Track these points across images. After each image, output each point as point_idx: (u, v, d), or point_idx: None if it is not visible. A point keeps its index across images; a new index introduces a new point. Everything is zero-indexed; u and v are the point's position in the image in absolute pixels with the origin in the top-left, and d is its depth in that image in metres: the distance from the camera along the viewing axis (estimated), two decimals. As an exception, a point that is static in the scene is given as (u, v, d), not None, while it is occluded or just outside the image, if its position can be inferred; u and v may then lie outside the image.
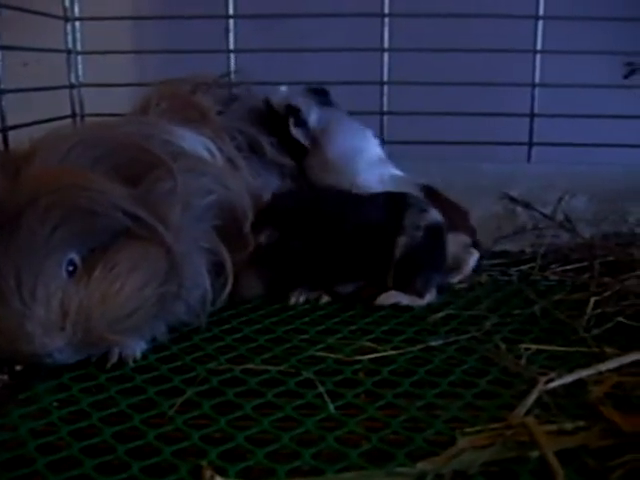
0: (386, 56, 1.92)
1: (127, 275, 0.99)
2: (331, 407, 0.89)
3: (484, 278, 1.47)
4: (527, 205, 1.70)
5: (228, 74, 1.80)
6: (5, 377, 1.02)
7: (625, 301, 1.25)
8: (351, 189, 1.39)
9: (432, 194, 1.50)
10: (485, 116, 1.94)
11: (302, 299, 1.32)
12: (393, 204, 1.31)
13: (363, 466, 0.76)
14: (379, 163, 1.59)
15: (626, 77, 2.11)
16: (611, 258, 1.49)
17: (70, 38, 1.97)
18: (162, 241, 1.02)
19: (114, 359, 1.03)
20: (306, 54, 1.96)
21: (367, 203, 1.33)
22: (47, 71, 1.98)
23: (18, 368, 1.03)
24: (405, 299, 1.29)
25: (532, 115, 1.95)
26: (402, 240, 1.28)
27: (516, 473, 0.74)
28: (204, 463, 0.73)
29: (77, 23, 1.98)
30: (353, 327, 1.19)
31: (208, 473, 0.71)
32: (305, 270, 1.30)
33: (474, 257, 1.47)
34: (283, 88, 1.59)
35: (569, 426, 0.81)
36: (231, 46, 1.95)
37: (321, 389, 0.94)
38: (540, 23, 1.90)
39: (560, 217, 1.66)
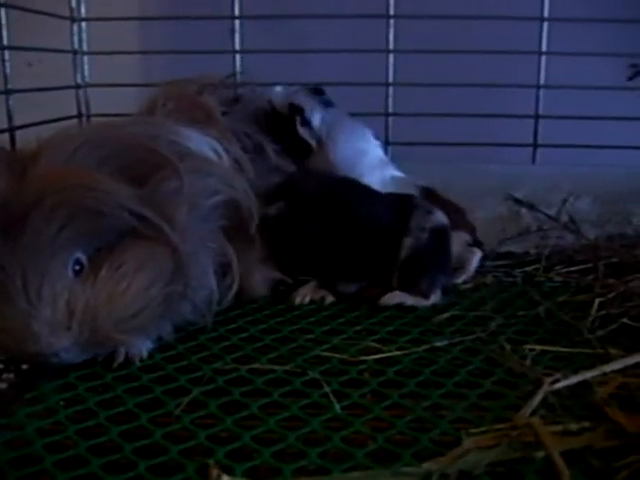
0: (391, 57, 1.93)
1: (133, 275, 0.99)
2: (337, 407, 0.90)
3: (489, 279, 1.47)
4: (531, 206, 1.71)
5: (234, 75, 1.80)
6: (11, 376, 1.03)
7: (630, 302, 1.25)
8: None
9: (430, 195, 1.50)
10: (489, 117, 1.94)
11: (307, 299, 1.32)
12: (400, 205, 1.32)
13: (369, 466, 0.76)
14: (381, 165, 1.60)
15: (630, 79, 2.10)
16: (615, 259, 1.50)
17: (76, 38, 1.98)
18: (168, 241, 1.02)
19: (120, 358, 1.03)
20: (311, 55, 1.96)
21: (378, 201, 1.33)
22: (50, 71, 1.99)
23: (24, 367, 1.03)
24: (410, 299, 1.29)
25: (537, 117, 1.95)
26: (408, 241, 1.28)
27: (522, 473, 0.74)
28: (211, 462, 0.73)
29: (83, 24, 1.98)
30: (358, 327, 1.19)
31: (215, 472, 0.71)
32: (309, 254, 1.30)
33: (477, 257, 1.48)
34: (278, 88, 1.59)
35: (574, 427, 0.81)
36: (237, 47, 1.95)
37: (327, 389, 0.94)
38: (545, 25, 1.90)
39: (564, 218, 1.66)
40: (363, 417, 0.87)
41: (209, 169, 1.18)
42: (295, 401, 0.92)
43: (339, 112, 1.63)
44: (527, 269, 1.53)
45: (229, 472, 0.73)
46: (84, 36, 1.99)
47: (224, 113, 1.42)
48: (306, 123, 1.54)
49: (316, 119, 1.57)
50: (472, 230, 1.51)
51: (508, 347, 1.08)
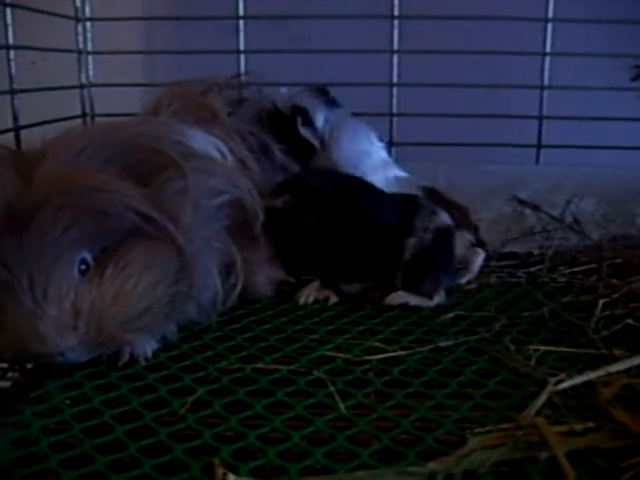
0: (395, 58, 1.93)
1: (139, 275, 0.99)
2: (342, 406, 0.90)
3: (493, 279, 1.48)
4: (535, 207, 1.70)
5: (239, 75, 1.80)
6: (16, 375, 1.03)
7: (634, 303, 1.25)
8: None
9: (433, 195, 1.50)
10: (494, 118, 1.94)
11: (311, 299, 1.32)
12: (405, 205, 1.32)
13: (374, 465, 0.76)
14: (384, 166, 1.60)
15: (634, 80, 2.10)
16: (619, 260, 1.50)
17: (81, 38, 1.98)
18: (173, 241, 1.02)
19: (125, 358, 1.03)
20: (315, 55, 1.96)
21: (384, 201, 1.33)
22: (53, 70, 1.99)
23: (29, 366, 1.04)
24: (414, 300, 1.29)
25: (541, 117, 1.95)
26: (411, 242, 1.28)
27: (526, 473, 0.74)
28: (216, 461, 0.74)
29: (88, 23, 1.99)
30: (362, 327, 1.19)
31: (220, 471, 0.71)
32: (313, 249, 1.31)
33: (481, 257, 1.48)
34: (284, 89, 1.60)
35: (579, 427, 0.81)
36: (241, 47, 1.96)
37: (331, 389, 0.94)
38: (549, 25, 1.91)
39: (568, 219, 1.66)
40: (368, 417, 0.87)
41: (214, 169, 1.18)
42: (300, 401, 0.92)
43: (344, 113, 1.63)
44: (531, 270, 1.53)
45: (234, 471, 0.73)
46: (88, 36, 2.00)
47: (229, 114, 1.42)
48: (308, 123, 1.55)
49: (319, 120, 1.57)
50: (475, 229, 1.51)
51: (512, 347, 1.08)
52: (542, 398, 0.89)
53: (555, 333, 1.16)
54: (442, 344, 1.11)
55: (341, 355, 1.06)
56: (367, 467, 0.76)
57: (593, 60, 1.93)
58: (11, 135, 1.57)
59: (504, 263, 1.58)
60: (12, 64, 1.61)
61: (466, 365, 1.04)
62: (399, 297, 1.30)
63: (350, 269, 1.31)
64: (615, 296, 1.28)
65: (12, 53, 1.61)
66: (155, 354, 1.07)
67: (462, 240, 1.43)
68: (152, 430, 0.84)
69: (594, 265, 1.50)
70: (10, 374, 1.04)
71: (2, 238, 0.93)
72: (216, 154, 1.24)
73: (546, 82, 1.94)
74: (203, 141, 1.23)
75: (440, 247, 1.31)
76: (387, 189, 1.45)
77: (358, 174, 1.48)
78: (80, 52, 1.99)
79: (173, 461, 0.78)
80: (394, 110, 1.96)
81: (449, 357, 1.07)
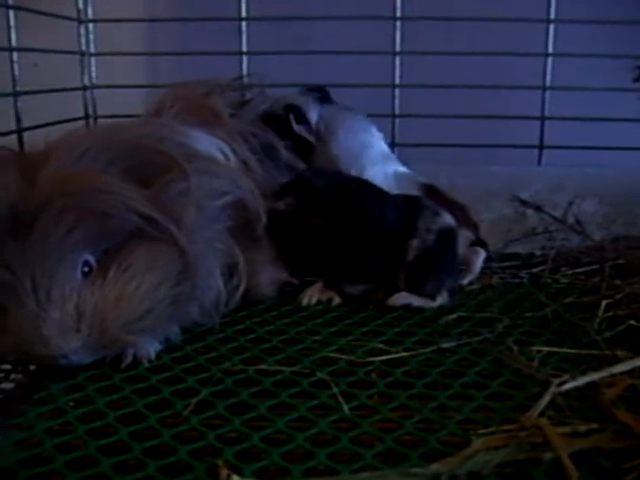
0: (398, 59, 1.93)
1: (141, 276, 0.99)
2: (345, 408, 0.90)
3: (495, 280, 1.48)
4: (537, 208, 1.70)
5: (241, 77, 1.80)
6: (20, 377, 1.03)
7: (636, 304, 1.25)
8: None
9: (432, 192, 1.50)
10: (495, 119, 1.94)
11: (314, 300, 1.32)
12: (408, 206, 1.32)
13: (378, 466, 0.76)
14: (384, 159, 1.60)
15: (636, 80, 2.10)
16: (622, 261, 1.50)
17: (83, 40, 1.99)
18: (176, 242, 1.02)
19: (128, 359, 1.03)
20: (318, 57, 1.96)
21: (387, 202, 1.33)
22: (55, 72, 1.99)
23: (32, 367, 1.04)
24: (417, 301, 1.29)
25: (543, 118, 1.95)
26: (414, 243, 1.28)
27: (530, 474, 0.75)
28: (220, 462, 0.74)
29: (90, 25, 1.99)
30: (365, 329, 1.19)
31: (224, 472, 0.71)
32: (315, 250, 1.31)
33: (482, 257, 1.48)
34: (283, 94, 1.60)
35: (582, 428, 0.82)
36: (243, 48, 1.96)
37: (335, 390, 0.94)
38: (551, 27, 1.91)
39: (570, 220, 1.66)
40: (371, 418, 0.88)
41: (216, 170, 1.18)
42: (303, 402, 0.92)
43: (338, 107, 1.63)
44: (533, 270, 1.53)
45: (238, 472, 0.73)
46: (91, 37, 2.00)
47: (232, 115, 1.42)
48: (302, 121, 1.55)
49: (312, 115, 1.57)
50: (475, 227, 1.51)
51: (515, 348, 1.08)
52: (545, 399, 0.89)
53: (558, 334, 1.16)
54: (445, 345, 1.11)
55: (344, 356, 1.07)
56: (371, 468, 0.76)
57: (595, 61, 1.93)
58: (14, 137, 1.58)
59: (506, 264, 1.58)
60: (15, 66, 1.61)
61: (469, 366, 1.04)
62: (402, 298, 1.30)
63: (353, 270, 1.31)
64: (618, 297, 1.28)
65: (15, 55, 1.62)
66: (158, 356, 1.07)
67: (462, 238, 1.43)
68: (156, 431, 0.84)
69: (596, 266, 1.50)
70: (13, 376, 1.04)
71: (5, 240, 0.94)
72: (219, 155, 1.25)
73: (548, 83, 1.94)
74: (206, 142, 1.23)
75: (443, 248, 1.31)
76: (386, 182, 1.46)
77: (358, 165, 1.48)
78: (83, 54, 1.99)
79: (177, 462, 0.78)
80: (396, 111, 1.96)
81: (452, 358, 1.07)
